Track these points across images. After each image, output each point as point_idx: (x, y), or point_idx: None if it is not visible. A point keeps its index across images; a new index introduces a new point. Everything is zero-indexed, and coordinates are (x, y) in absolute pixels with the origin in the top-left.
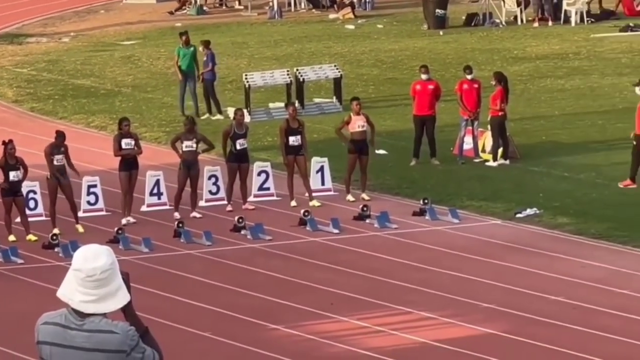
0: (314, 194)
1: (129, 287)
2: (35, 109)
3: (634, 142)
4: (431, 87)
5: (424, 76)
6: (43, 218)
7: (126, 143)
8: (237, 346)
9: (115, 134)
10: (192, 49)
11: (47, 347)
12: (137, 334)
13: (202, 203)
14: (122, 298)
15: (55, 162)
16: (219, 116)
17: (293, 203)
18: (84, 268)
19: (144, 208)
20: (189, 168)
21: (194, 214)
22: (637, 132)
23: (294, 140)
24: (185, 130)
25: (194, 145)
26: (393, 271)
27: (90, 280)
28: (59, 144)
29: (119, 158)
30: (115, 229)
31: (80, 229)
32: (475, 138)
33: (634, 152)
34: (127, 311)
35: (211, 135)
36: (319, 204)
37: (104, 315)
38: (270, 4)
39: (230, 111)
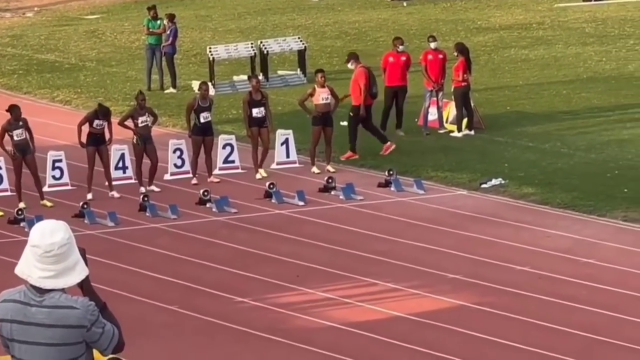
0: (279, 166)
1: (85, 262)
2: None
3: None
4: (403, 58)
5: (400, 47)
6: (9, 193)
7: (97, 124)
8: (204, 319)
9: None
10: (159, 22)
11: (8, 324)
12: (97, 309)
13: (167, 176)
14: (80, 272)
15: (15, 138)
16: (171, 90)
17: (258, 175)
18: (41, 244)
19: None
20: (145, 143)
21: (152, 187)
22: None
23: (257, 112)
24: (138, 107)
25: (148, 120)
26: (358, 243)
27: (48, 256)
28: (16, 119)
29: (85, 133)
30: (81, 203)
31: (48, 203)
32: (440, 109)
33: None
34: (84, 286)
35: (175, 108)
36: (265, 174)
37: (63, 290)
38: None
39: (195, 84)
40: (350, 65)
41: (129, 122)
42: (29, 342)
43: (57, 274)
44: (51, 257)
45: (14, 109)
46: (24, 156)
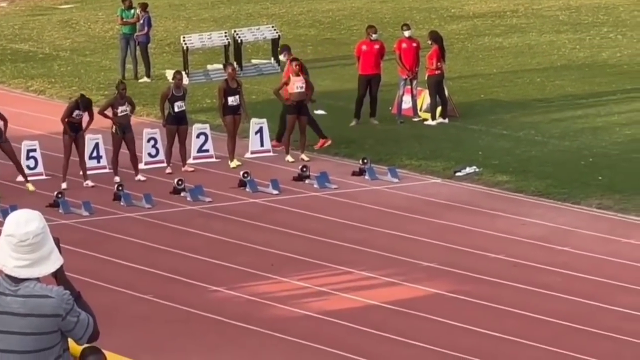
0: (253, 155)
1: (60, 252)
2: None
3: None
4: (377, 46)
5: (374, 35)
6: None
7: (77, 114)
8: (178, 308)
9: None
10: (133, 11)
11: None
12: (71, 298)
13: (141, 166)
14: (55, 261)
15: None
16: (146, 79)
17: (232, 164)
18: (16, 233)
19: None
20: (124, 132)
21: (139, 177)
22: None
23: (232, 100)
24: (118, 96)
25: (127, 109)
26: (333, 231)
27: (23, 245)
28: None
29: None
30: (55, 192)
31: (31, 187)
32: (414, 97)
33: None
34: (59, 276)
35: (150, 97)
36: (239, 162)
37: (38, 280)
38: None
39: (169, 73)
40: (282, 57)
41: (109, 112)
42: (3, 331)
43: (32, 263)
44: (26, 247)
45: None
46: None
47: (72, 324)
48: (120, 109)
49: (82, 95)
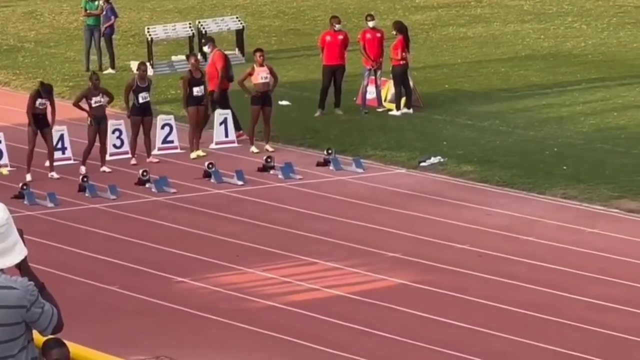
0: (218, 146)
1: (23, 243)
2: None
3: None
4: (340, 37)
5: (337, 26)
6: None
7: (40, 103)
8: (144, 299)
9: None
10: (97, 3)
11: None
12: (36, 289)
13: (106, 157)
14: (19, 253)
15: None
16: (110, 70)
17: (193, 155)
18: None
19: (47, 163)
20: (99, 123)
21: (104, 168)
22: None
23: (197, 90)
24: (92, 87)
25: (102, 100)
26: (298, 222)
27: None
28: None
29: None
30: (20, 184)
31: (4, 171)
32: (379, 87)
33: None
34: (22, 267)
35: (114, 89)
36: (203, 153)
37: (2, 271)
38: None
39: (133, 65)
40: (207, 49)
41: (83, 103)
42: None
43: None
44: None
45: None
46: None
47: (36, 315)
48: (94, 99)
49: (42, 82)
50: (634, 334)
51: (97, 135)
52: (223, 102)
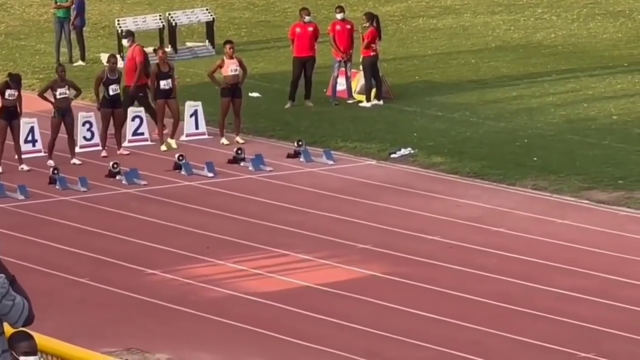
0: (188, 138)
1: None
2: None
3: None
4: (310, 29)
5: (307, 18)
6: None
7: (9, 94)
8: (115, 292)
9: None
10: None
11: None
12: (7, 282)
13: (76, 149)
14: None
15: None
16: (81, 62)
17: (163, 147)
18: None
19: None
20: (64, 115)
21: (74, 160)
22: None
23: (165, 84)
24: (58, 79)
25: (67, 92)
26: (268, 214)
27: None
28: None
29: None
30: None
31: None
32: (349, 79)
33: None
34: None
35: (84, 81)
36: (175, 146)
37: None
38: None
39: (103, 57)
40: (126, 43)
41: (48, 94)
42: None
43: None
44: None
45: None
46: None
47: (7, 308)
48: (59, 91)
49: (10, 73)
50: (604, 325)
51: (63, 127)
52: (140, 98)
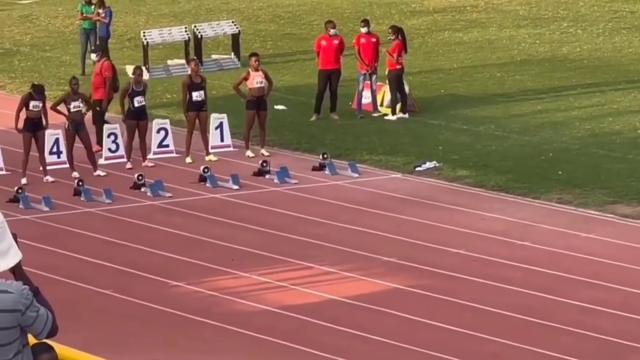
0: (213, 150)
1: (17, 246)
2: None
3: None
4: (336, 42)
5: (332, 31)
6: None
7: (33, 105)
8: (139, 303)
9: (23, 95)
10: (93, 7)
11: None
12: (31, 293)
13: (101, 161)
14: (14, 256)
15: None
16: None
17: (188, 159)
18: None
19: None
20: (77, 128)
21: (98, 172)
22: None
23: (197, 95)
24: (71, 92)
25: (81, 105)
26: (293, 226)
27: None
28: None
29: (22, 118)
30: (15, 188)
31: None
32: (374, 92)
33: None
34: (17, 271)
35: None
36: (215, 158)
37: None
38: None
39: (129, 69)
40: (94, 57)
41: (62, 107)
42: None
43: None
44: None
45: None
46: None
47: (31, 319)
48: (72, 104)
49: (34, 84)
50: (627, 339)
51: (79, 140)
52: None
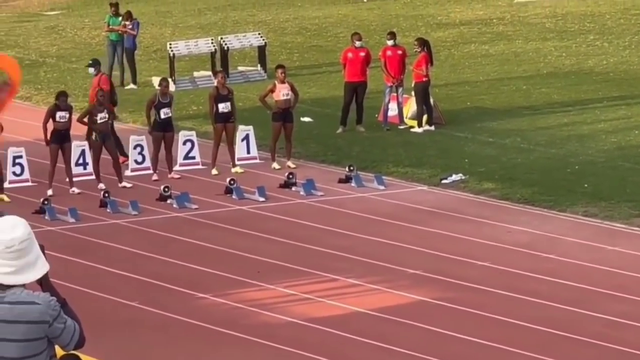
0: (239, 162)
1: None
2: None
3: None
4: (362, 54)
5: (358, 43)
6: None
7: (60, 116)
8: (165, 315)
9: (49, 107)
10: (120, 19)
11: None
12: (58, 305)
13: (127, 172)
14: (41, 268)
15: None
16: (132, 86)
17: (214, 171)
18: (2, 240)
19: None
20: (104, 140)
21: (124, 184)
22: None
23: (223, 107)
24: (97, 103)
25: (107, 116)
26: (319, 238)
27: (10, 251)
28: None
29: (50, 129)
30: (41, 199)
31: (6, 198)
32: (400, 104)
33: None
34: (44, 282)
35: (136, 104)
36: (241, 170)
37: (24, 286)
38: None
39: (155, 80)
40: (92, 71)
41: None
42: None
43: (18, 270)
44: (12, 253)
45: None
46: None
47: (58, 331)
48: (99, 116)
49: (58, 94)
50: None
51: (106, 151)
52: None
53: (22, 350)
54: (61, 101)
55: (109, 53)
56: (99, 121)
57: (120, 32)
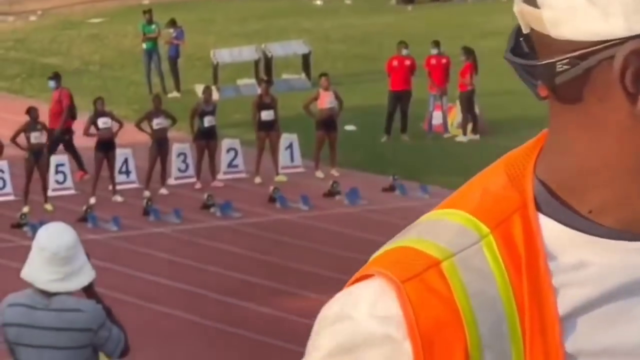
0: (283, 171)
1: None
2: (2, 88)
3: None
4: (407, 62)
5: (404, 51)
6: (12, 198)
7: (103, 122)
8: (208, 324)
9: (90, 115)
10: (153, 26)
11: (14, 328)
12: (104, 312)
13: (171, 181)
14: (87, 275)
15: (32, 140)
16: (175, 94)
17: (257, 179)
18: (49, 247)
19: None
20: (161, 145)
21: (163, 190)
22: None
23: (266, 115)
24: (154, 109)
25: (163, 122)
26: (363, 248)
27: (57, 258)
28: (34, 121)
29: (94, 138)
30: (84, 207)
31: (49, 207)
32: (445, 113)
33: None
34: (89, 290)
35: (179, 112)
36: (285, 178)
37: (70, 293)
38: None
39: (198, 88)
40: (52, 84)
41: (144, 125)
42: (35, 345)
43: (64, 277)
44: (59, 260)
45: (32, 111)
46: (37, 159)
47: (104, 339)
48: (155, 121)
49: (95, 101)
50: None
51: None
52: (67, 141)
53: (68, 357)
54: (99, 106)
55: (145, 61)
56: (155, 127)
57: (165, 43)
